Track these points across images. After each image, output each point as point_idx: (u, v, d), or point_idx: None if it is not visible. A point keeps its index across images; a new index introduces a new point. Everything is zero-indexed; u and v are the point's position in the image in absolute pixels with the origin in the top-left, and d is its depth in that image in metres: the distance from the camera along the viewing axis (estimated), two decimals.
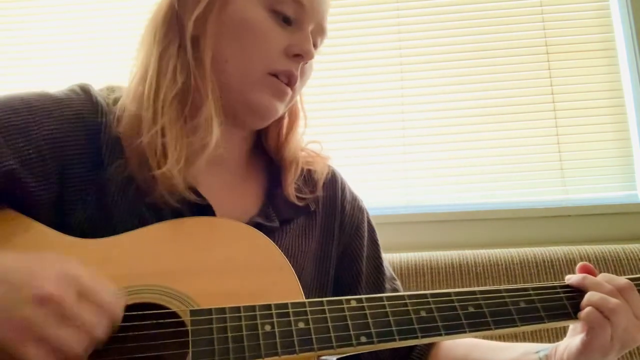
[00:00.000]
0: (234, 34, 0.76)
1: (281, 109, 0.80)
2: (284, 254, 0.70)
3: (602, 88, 1.72)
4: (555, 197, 1.68)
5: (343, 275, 0.88)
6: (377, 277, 0.91)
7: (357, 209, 0.93)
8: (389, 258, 1.40)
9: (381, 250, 0.94)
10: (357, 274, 0.89)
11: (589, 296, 0.68)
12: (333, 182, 0.92)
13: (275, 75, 0.77)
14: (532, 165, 1.70)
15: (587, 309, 0.66)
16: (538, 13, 1.77)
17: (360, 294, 0.85)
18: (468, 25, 1.79)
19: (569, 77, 1.73)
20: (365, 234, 0.92)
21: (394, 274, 0.95)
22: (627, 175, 1.68)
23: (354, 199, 0.94)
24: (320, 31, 0.82)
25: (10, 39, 1.88)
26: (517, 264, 1.37)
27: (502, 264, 1.37)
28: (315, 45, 0.82)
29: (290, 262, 0.69)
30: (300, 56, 0.78)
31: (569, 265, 1.35)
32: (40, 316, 0.49)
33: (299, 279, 0.68)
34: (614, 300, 0.66)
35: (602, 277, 0.71)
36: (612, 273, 0.76)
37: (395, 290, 0.92)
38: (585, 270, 0.74)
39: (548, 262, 1.36)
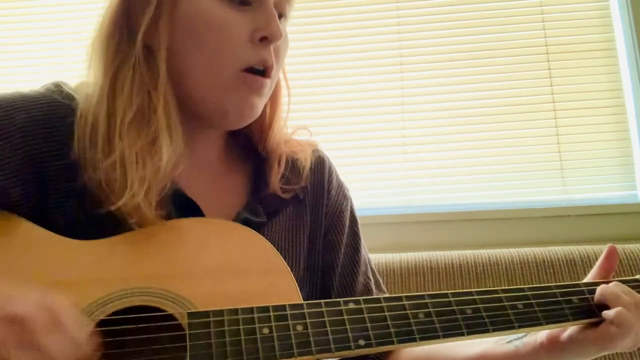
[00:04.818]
0: (191, 36, 0.70)
1: (261, 105, 0.76)
2: (276, 247, 0.69)
3: (602, 88, 1.71)
4: (555, 197, 1.68)
5: (321, 261, 0.86)
6: (351, 269, 0.88)
7: (342, 196, 0.91)
8: (389, 258, 1.41)
9: (362, 245, 0.91)
10: (334, 261, 0.86)
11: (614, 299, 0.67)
12: (321, 166, 0.89)
13: (247, 70, 0.72)
14: (532, 165, 1.70)
15: (619, 309, 0.66)
16: (538, 13, 1.76)
17: (333, 283, 0.85)
18: (468, 25, 1.79)
19: (569, 77, 1.73)
20: (347, 222, 0.89)
21: (376, 274, 0.92)
22: (627, 175, 1.68)
23: (340, 185, 0.92)
24: None
25: (10, 39, 1.88)
26: (517, 264, 1.37)
27: (502, 264, 1.37)
28: (283, 15, 0.76)
29: (282, 255, 0.68)
30: (268, 39, 0.72)
31: (569, 265, 1.35)
32: (2, 334, 0.48)
33: (293, 271, 0.68)
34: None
35: (619, 288, 0.69)
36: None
37: (367, 287, 0.88)
38: (609, 262, 0.74)
39: (548, 262, 1.36)
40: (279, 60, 0.76)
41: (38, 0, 1.88)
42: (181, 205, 0.73)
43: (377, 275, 0.93)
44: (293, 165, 0.85)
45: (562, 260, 1.36)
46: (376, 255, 1.39)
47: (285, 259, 0.69)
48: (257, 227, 0.76)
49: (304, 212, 0.85)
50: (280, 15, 0.75)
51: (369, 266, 0.92)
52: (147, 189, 0.67)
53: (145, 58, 0.70)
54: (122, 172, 0.67)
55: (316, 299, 0.82)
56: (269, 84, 0.75)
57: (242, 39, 0.71)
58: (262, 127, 0.83)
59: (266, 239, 0.70)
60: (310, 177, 0.87)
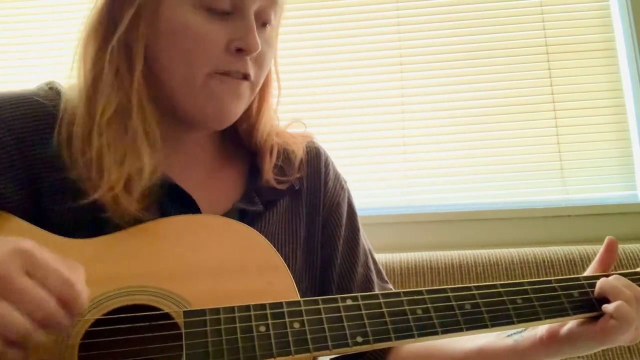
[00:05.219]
0: (168, 41, 0.70)
1: (241, 106, 0.75)
2: (273, 239, 0.68)
3: (602, 88, 1.72)
4: (555, 197, 1.68)
5: (320, 253, 0.85)
6: (350, 261, 0.86)
7: (339, 187, 0.90)
8: (389, 258, 1.41)
9: (361, 235, 0.90)
10: (333, 254, 0.85)
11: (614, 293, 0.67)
12: (317, 158, 0.89)
13: (223, 73, 0.71)
14: (532, 165, 1.70)
15: (619, 303, 0.65)
16: (538, 13, 1.76)
17: (332, 275, 0.84)
18: (468, 25, 1.79)
19: (569, 77, 1.73)
20: (344, 213, 0.89)
21: (377, 264, 0.91)
22: (627, 175, 1.68)
23: (337, 177, 0.91)
24: (269, 4, 0.73)
25: (10, 39, 1.88)
26: (517, 264, 1.37)
27: (502, 264, 1.37)
28: (268, 22, 0.74)
29: (280, 247, 0.67)
30: (244, 51, 0.71)
31: (569, 265, 1.35)
32: None
33: (291, 263, 0.67)
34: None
35: (619, 282, 0.68)
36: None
37: (366, 278, 0.87)
38: (609, 255, 0.73)
39: (548, 262, 1.36)
40: (262, 66, 0.75)
41: (38, 0, 1.89)
42: (177, 201, 0.73)
43: (379, 265, 0.92)
44: (286, 156, 0.85)
45: (562, 260, 1.36)
46: (376, 255, 1.39)
47: (283, 249, 0.68)
48: (254, 217, 0.77)
49: (300, 202, 0.84)
50: (265, 24, 0.75)
51: (369, 256, 0.91)
52: (126, 182, 0.67)
53: (125, 59, 0.71)
54: (98, 166, 0.67)
55: (316, 291, 0.82)
56: (247, 87, 0.74)
57: (218, 47, 0.70)
58: (249, 119, 0.83)
59: (263, 229, 0.70)
60: (306, 168, 0.86)
